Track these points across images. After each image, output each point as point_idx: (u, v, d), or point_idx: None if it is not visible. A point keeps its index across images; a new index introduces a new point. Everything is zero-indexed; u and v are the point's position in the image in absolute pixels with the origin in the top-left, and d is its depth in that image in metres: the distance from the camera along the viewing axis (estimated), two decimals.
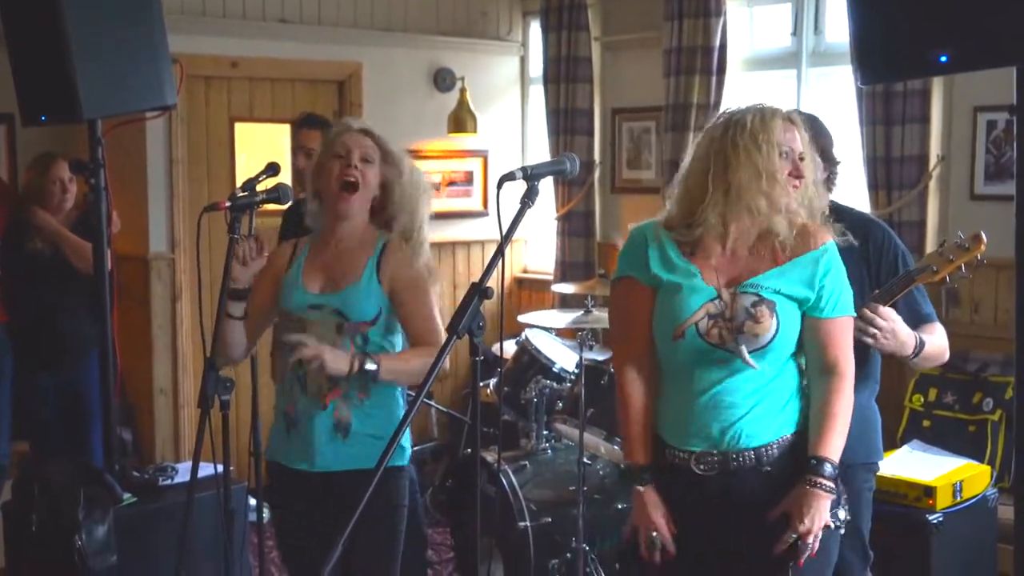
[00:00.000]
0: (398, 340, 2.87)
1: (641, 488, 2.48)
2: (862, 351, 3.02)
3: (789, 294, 2.40)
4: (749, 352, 2.36)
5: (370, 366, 2.68)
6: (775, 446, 2.41)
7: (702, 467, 2.41)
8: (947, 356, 3.02)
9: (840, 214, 3.08)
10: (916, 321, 2.95)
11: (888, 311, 2.79)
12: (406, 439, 2.92)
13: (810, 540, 2.36)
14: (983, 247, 2.74)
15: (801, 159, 2.41)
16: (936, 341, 2.95)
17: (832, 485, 2.38)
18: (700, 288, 2.41)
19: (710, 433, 2.39)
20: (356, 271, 2.81)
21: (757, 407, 2.39)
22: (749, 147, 2.35)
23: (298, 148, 4.22)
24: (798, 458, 2.42)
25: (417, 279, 2.82)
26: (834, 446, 2.40)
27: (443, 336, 2.70)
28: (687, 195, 2.46)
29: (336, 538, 2.05)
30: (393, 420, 2.82)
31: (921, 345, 2.85)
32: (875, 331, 2.74)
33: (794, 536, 2.36)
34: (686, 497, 2.45)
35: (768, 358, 2.39)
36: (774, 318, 2.37)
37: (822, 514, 2.36)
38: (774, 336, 2.37)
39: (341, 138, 2.85)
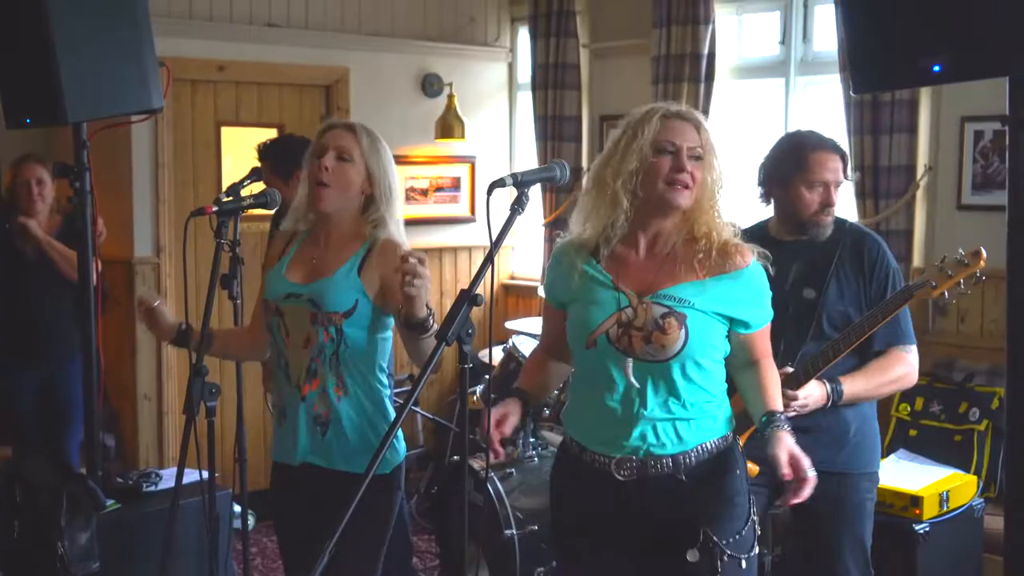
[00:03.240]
0: (381, 339, 2.83)
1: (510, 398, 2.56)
2: (864, 363, 3.04)
3: (703, 309, 2.39)
4: (655, 360, 2.36)
5: (431, 323, 2.59)
6: (692, 454, 2.41)
7: (623, 472, 2.41)
8: (904, 385, 3.10)
9: (838, 225, 3.11)
10: (889, 339, 2.96)
11: (797, 392, 2.88)
12: (398, 445, 2.90)
13: (805, 471, 2.30)
14: (983, 263, 2.76)
15: (696, 158, 2.39)
16: (874, 378, 3.00)
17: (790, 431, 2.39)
18: (610, 297, 2.43)
19: (628, 438, 2.40)
20: (338, 264, 2.80)
21: (674, 413, 2.40)
22: (628, 143, 2.44)
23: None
24: (715, 466, 2.42)
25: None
26: (778, 400, 2.47)
27: None
28: (596, 201, 2.49)
29: (321, 544, 2.02)
30: (375, 423, 2.80)
31: (835, 394, 2.93)
32: (795, 409, 2.87)
33: (787, 482, 2.32)
34: (603, 501, 2.44)
35: (676, 368, 2.38)
36: (683, 330, 2.36)
37: (795, 449, 2.33)
38: (681, 348, 2.37)
39: (322, 138, 2.84)
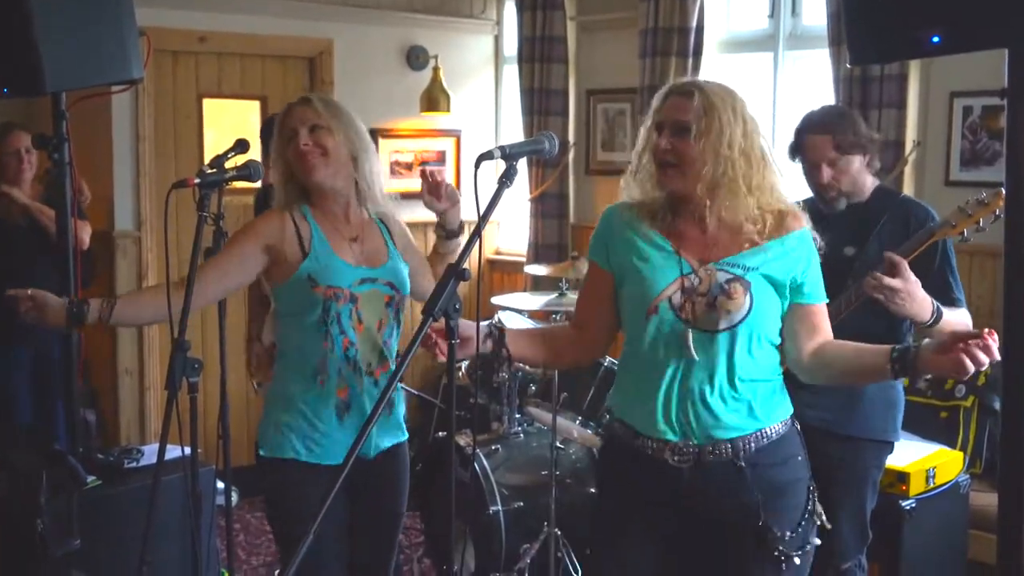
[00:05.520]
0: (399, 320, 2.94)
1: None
2: (890, 329, 3.04)
3: (766, 274, 2.34)
4: (717, 330, 2.29)
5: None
6: (752, 439, 2.33)
7: (676, 458, 2.32)
8: None
9: (889, 194, 3.20)
10: (942, 301, 2.97)
11: (906, 270, 2.80)
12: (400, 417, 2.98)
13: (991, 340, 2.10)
14: (1001, 202, 2.75)
15: (682, 130, 2.31)
16: (959, 319, 2.98)
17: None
18: (672, 263, 2.35)
19: (684, 422, 2.32)
20: (381, 243, 2.87)
21: (735, 393, 2.32)
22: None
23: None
24: (775, 453, 2.34)
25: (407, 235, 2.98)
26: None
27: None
28: (637, 177, 2.43)
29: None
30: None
31: (939, 313, 2.86)
32: (889, 287, 2.77)
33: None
34: (656, 488, 2.37)
35: (740, 339, 2.31)
36: (748, 296, 2.30)
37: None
38: (747, 314, 2.30)
39: (287, 120, 2.79)
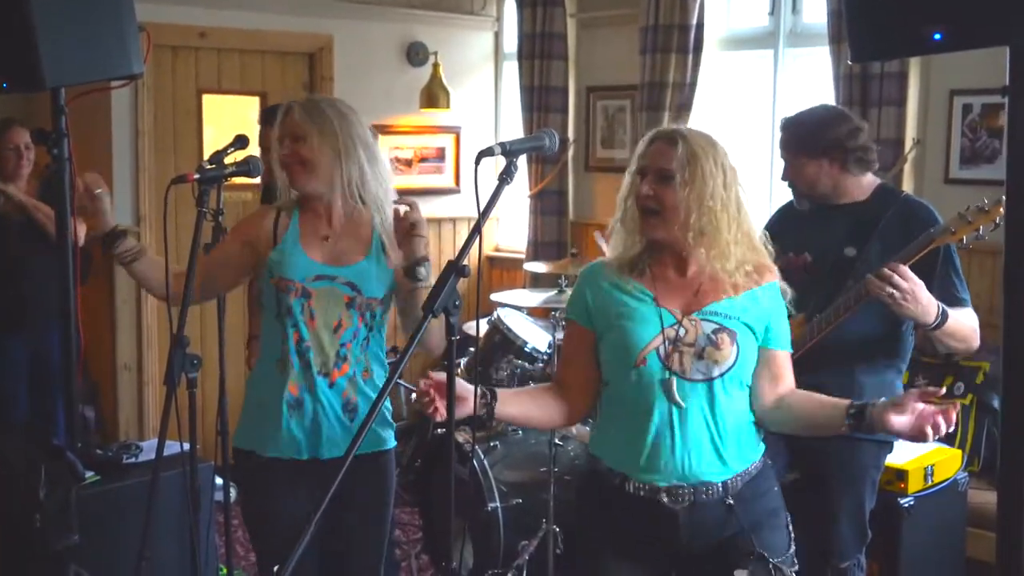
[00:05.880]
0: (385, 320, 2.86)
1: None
2: (893, 332, 3.05)
3: (746, 322, 2.39)
4: (707, 379, 2.34)
5: (423, 272, 2.70)
6: (739, 479, 2.40)
7: (671, 501, 2.36)
8: (976, 343, 3.05)
9: (891, 192, 3.20)
10: (945, 301, 2.96)
11: (910, 273, 2.81)
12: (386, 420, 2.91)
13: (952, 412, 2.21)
14: (1001, 210, 2.76)
15: (665, 178, 2.33)
16: (964, 320, 2.97)
17: None
18: (653, 314, 2.37)
19: (675, 466, 2.35)
20: (363, 245, 2.79)
21: (720, 436, 2.37)
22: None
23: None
24: (757, 486, 2.42)
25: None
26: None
27: None
28: (619, 224, 2.45)
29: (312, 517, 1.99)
30: (387, 404, 2.83)
31: (943, 315, 2.86)
32: (893, 291, 2.78)
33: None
34: (648, 528, 2.39)
35: (727, 386, 2.36)
36: (735, 346, 2.35)
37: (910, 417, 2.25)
38: (734, 363, 2.35)
39: (278, 128, 2.81)
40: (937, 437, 2.22)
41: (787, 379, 2.50)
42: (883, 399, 2.31)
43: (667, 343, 2.34)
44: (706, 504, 2.36)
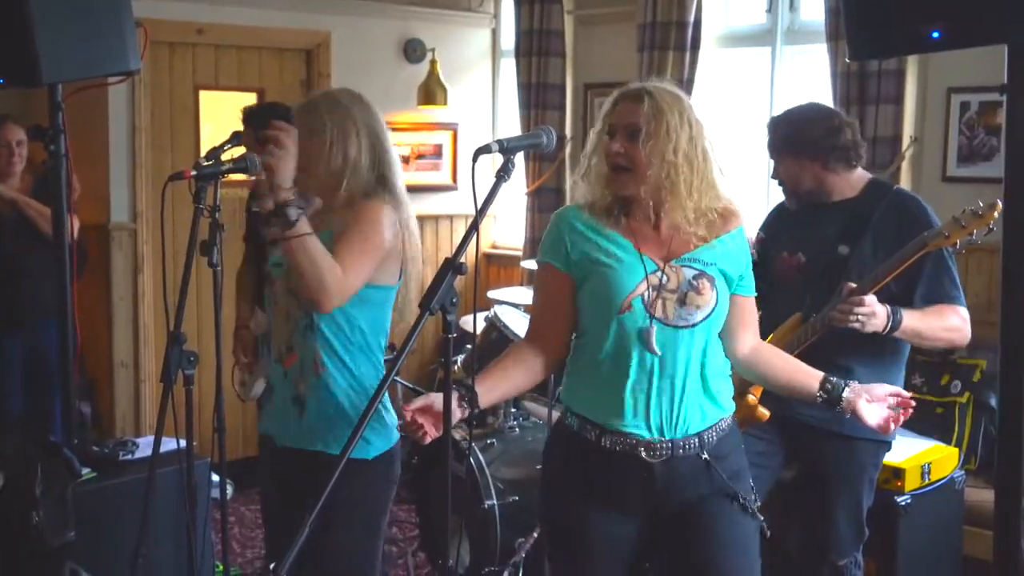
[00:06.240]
0: (362, 314, 2.74)
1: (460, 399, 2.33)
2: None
3: (722, 268, 2.42)
4: (689, 325, 2.36)
5: (293, 212, 2.46)
6: (713, 433, 2.42)
7: (649, 454, 2.37)
8: (960, 340, 3.09)
9: (882, 187, 3.21)
10: (931, 297, 2.97)
11: (866, 298, 2.86)
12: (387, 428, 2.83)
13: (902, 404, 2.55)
14: (996, 214, 2.77)
15: (633, 134, 2.35)
16: (932, 321, 2.99)
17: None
18: (637, 261, 2.38)
19: (658, 418, 2.37)
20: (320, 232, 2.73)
21: (700, 386, 2.40)
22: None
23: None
24: (729, 444, 2.45)
25: (361, 220, 2.67)
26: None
27: (350, 278, 2.57)
28: (587, 179, 2.46)
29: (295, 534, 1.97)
30: (354, 402, 2.72)
31: (895, 322, 2.92)
32: (855, 319, 2.87)
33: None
34: (623, 480, 2.40)
35: (705, 334, 2.39)
36: (714, 291, 2.39)
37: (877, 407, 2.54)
38: (714, 308, 2.39)
39: None
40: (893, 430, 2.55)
41: (754, 325, 2.58)
42: (856, 383, 2.51)
43: (651, 289, 2.36)
44: (683, 459, 2.38)
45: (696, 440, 2.39)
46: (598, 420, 2.41)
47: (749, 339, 2.56)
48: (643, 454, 2.36)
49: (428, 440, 2.29)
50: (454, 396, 2.27)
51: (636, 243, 2.40)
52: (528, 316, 2.64)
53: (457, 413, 2.30)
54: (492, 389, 2.44)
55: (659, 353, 2.34)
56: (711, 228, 2.41)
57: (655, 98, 2.35)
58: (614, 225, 2.43)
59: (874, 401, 2.52)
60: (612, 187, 2.40)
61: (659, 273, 2.37)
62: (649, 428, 2.36)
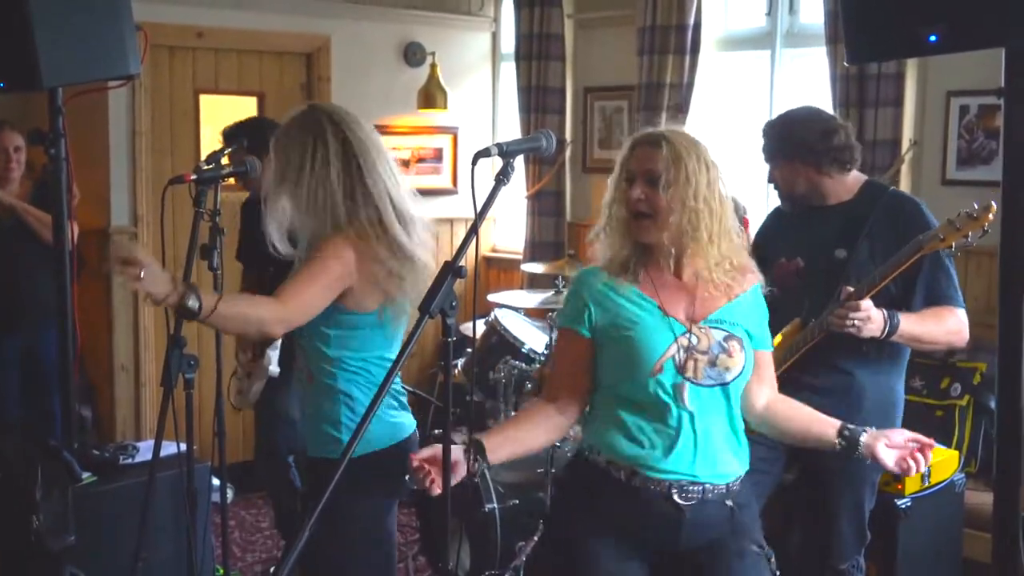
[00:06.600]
0: (334, 333, 2.68)
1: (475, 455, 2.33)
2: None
3: (746, 328, 2.44)
4: (715, 384, 2.37)
5: (191, 302, 2.34)
6: (737, 483, 2.44)
7: (682, 497, 2.37)
8: (959, 341, 3.09)
9: (878, 190, 3.20)
10: (930, 298, 2.97)
11: (863, 303, 2.87)
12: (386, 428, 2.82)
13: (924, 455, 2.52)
14: (990, 217, 2.77)
15: (653, 180, 2.35)
16: (929, 324, 2.99)
17: None
18: (663, 323, 2.38)
19: (688, 463, 2.37)
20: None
21: (727, 440, 2.42)
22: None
23: None
24: (747, 495, 2.49)
25: (313, 251, 2.65)
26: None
27: (289, 306, 2.52)
28: (606, 231, 2.46)
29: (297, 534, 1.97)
30: (329, 416, 2.70)
31: (892, 326, 2.90)
32: (852, 323, 2.86)
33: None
34: (649, 520, 2.40)
35: (735, 392, 2.42)
36: (743, 352, 2.41)
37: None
38: (743, 369, 2.41)
39: None
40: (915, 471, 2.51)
41: (771, 379, 2.59)
42: (873, 428, 2.50)
43: (681, 351, 2.36)
44: (711, 503, 2.40)
45: (724, 488, 2.41)
46: (628, 464, 2.40)
47: (766, 393, 2.56)
48: (676, 496, 2.37)
49: (437, 491, 2.24)
50: (462, 451, 2.30)
51: (660, 301, 2.40)
52: (548, 376, 2.62)
53: (461, 470, 2.30)
54: (501, 447, 2.41)
55: (692, 409, 2.36)
56: (731, 278, 2.42)
57: (673, 143, 2.36)
58: (633, 280, 2.42)
59: (893, 446, 2.51)
60: (634, 234, 2.40)
61: (688, 335, 2.38)
62: (681, 473, 2.37)
